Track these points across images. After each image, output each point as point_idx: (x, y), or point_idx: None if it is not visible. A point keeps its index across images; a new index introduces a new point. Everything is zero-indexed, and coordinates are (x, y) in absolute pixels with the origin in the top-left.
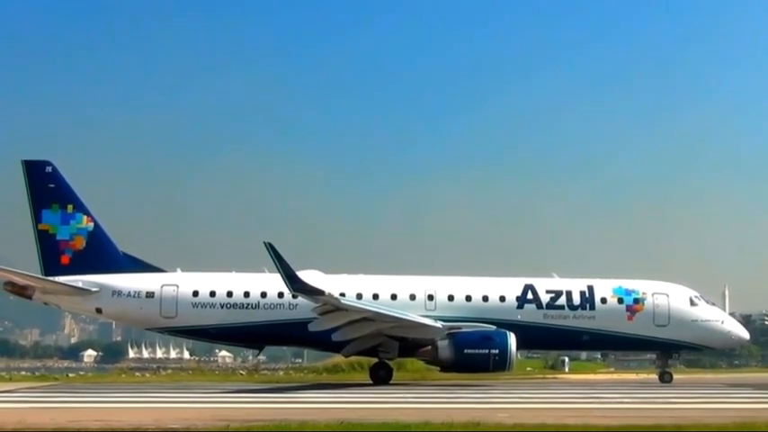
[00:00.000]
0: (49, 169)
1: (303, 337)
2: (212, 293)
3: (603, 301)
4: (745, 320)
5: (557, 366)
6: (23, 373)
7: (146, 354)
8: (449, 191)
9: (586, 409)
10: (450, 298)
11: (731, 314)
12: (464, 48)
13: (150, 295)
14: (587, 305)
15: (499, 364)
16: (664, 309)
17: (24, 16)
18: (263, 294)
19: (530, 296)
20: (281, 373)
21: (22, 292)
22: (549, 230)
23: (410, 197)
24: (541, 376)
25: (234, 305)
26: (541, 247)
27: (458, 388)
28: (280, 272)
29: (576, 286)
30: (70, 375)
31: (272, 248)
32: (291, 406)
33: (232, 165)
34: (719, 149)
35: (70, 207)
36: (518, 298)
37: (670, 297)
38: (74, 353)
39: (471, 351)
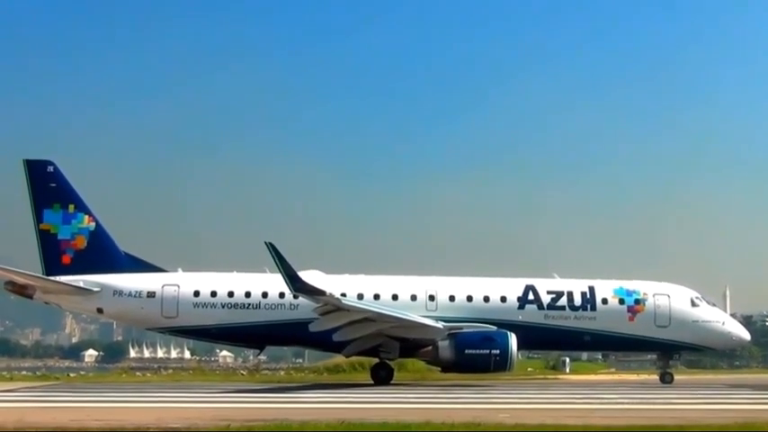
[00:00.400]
0: (50, 169)
1: (304, 338)
2: (213, 293)
3: (604, 301)
4: (746, 321)
5: (557, 367)
6: (24, 372)
7: (147, 353)
8: (449, 191)
9: (587, 409)
10: (452, 298)
11: (732, 315)
12: (464, 48)
13: (151, 295)
14: (588, 306)
15: (500, 364)
16: (665, 309)
17: (24, 16)
18: (265, 294)
19: (531, 297)
20: (282, 373)
21: (22, 291)
22: (550, 231)
23: (410, 197)
24: (542, 377)
25: (235, 305)
26: (542, 248)
27: (459, 388)
28: (281, 272)
29: (577, 287)
30: (71, 375)
31: (273, 248)
32: (292, 406)
33: (232, 164)
34: (720, 149)
35: (71, 207)
36: (519, 298)
37: (671, 298)
38: (75, 352)
39: (472, 351)
